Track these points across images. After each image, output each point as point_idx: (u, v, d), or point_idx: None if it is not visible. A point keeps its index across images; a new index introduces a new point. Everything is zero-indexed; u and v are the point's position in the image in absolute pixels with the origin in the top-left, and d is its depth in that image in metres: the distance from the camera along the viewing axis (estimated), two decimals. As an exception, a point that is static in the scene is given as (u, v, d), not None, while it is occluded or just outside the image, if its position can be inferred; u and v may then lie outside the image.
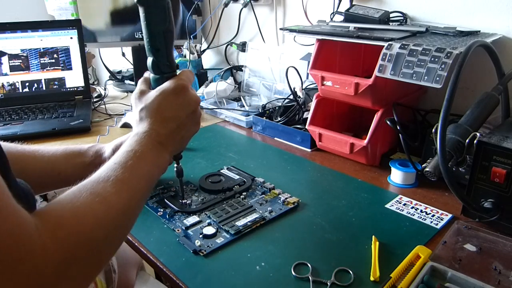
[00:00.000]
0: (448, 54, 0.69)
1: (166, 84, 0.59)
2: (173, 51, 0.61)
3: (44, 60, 1.25)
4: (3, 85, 1.22)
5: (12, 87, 1.23)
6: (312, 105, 0.97)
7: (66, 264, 0.38)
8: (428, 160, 0.67)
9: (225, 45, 1.52)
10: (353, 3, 1.08)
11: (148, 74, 0.62)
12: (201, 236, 0.65)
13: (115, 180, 0.48)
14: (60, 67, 1.27)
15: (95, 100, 1.34)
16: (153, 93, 0.59)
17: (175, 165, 0.71)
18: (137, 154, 0.53)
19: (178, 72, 0.62)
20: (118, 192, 0.47)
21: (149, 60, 0.60)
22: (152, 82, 0.62)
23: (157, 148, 0.56)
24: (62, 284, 0.37)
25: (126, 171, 0.50)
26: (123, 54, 1.69)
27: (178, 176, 0.71)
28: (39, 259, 0.35)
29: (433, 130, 0.65)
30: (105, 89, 1.45)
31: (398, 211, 0.73)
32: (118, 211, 0.47)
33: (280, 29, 1.14)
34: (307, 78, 1.14)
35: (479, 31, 0.88)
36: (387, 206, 0.75)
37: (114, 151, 0.71)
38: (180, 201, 0.74)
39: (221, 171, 0.86)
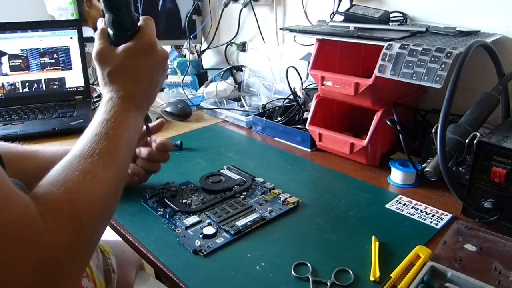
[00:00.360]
0: (448, 54, 0.69)
1: (132, 43, 0.56)
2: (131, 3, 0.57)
3: (44, 60, 1.25)
4: (3, 85, 1.22)
5: (12, 87, 1.23)
6: (312, 105, 0.97)
7: (72, 244, 0.39)
8: (428, 160, 0.67)
9: (225, 45, 1.52)
10: (353, 3, 1.08)
11: (105, 26, 0.58)
12: (201, 236, 0.65)
13: (101, 153, 0.48)
14: (60, 67, 1.27)
15: (95, 100, 1.33)
16: (119, 54, 0.56)
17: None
18: (116, 122, 0.52)
19: (140, 21, 0.58)
20: (106, 165, 0.47)
21: (108, 17, 0.56)
22: (113, 39, 0.57)
23: (133, 113, 0.55)
24: (71, 263, 0.38)
25: (110, 141, 0.49)
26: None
27: (146, 119, 0.70)
28: (47, 242, 0.36)
29: (433, 130, 0.65)
30: (105, 89, 1.44)
31: (398, 211, 0.73)
32: (110, 183, 0.47)
33: (280, 29, 1.14)
34: (307, 78, 1.14)
35: (479, 31, 0.89)
36: (387, 206, 0.75)
37: None
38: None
39: (221, 171, 0.86)
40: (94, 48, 0.57)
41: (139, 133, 0.59)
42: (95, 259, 0.90)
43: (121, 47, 0.56)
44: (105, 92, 0.56)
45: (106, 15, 0.56)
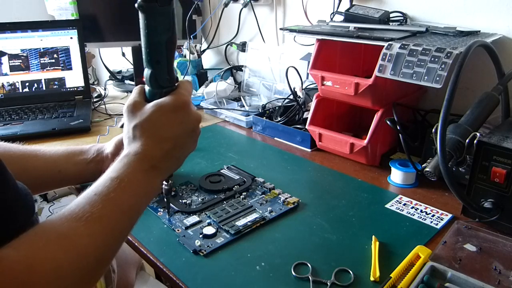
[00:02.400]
0: (448, 54, 0.69)
1: (165, 99, 0.53)
2: (173, 63, 0.56)
3: (44, 60, 1.25)
4: (3, 85, 1.22)
5: (12, 87, 1.23)
6: (312, 105, 0.97)
7: None
8: (428, 160, 0.67)
9: (225, 45, 1.52)
10: (353, 3, 1.08)
11: (144, 85, 0.56)
12: (201, 236, 0.65)
13: (90, 218, 0.41)
14: (60, 67, 1.27)
15: (95, 100, 1.34)
16: (149, 108, 0.52)
17: (164, 182, 0.66)
18: (122, 184, 0.46)
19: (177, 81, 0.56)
20: (91, 234, 0.41)
21: (147, 72, 0.54)
22: (148, 95, 0.55)
23: (148, 174, 0.50)
24: None
25: (106, 205, 0.43)
26: (123, 54, 1.69)
27: (166, 194, 0.67)
28: None
29: (433, 130, 0.65)
30: (105, 89, 1.45)
31: (398, 211, 0.73)
32: (89, 256, 0.40)
33: (280, 29, 1.14)
34: (307, 78, 1.14)
35: (479, 31, 0.88)
36: (387, 206, 0.75)
37: (117, 146, 0.69)
38: (168, 217, 0.70)
39: (221, 171, 0.86)
40: (127, 101, 0.54)
41: (152, 198, 0.53)
42: None
43: (153, 102, 0.53)
44: (125, 148, 0.52)
45: (145, 69, 0.54)
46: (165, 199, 0.69)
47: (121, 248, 1.05)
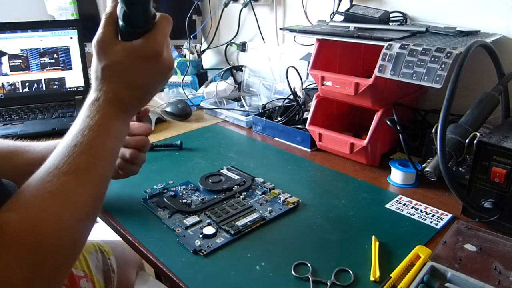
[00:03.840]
0: (448, 54, 0.69)
1: (138, 44, 0.50)
2: (151, 2, 0.51)
3: (44, 60, 1.25)
4: (3, 85, 1.22)
5: (12, 87, 1.23)
6: (312, 105, 0.97)
7: (32, 282, 0.35)
8: (428, 160, 0.67)
9: (225, 45, 1.52)
10: (353, 3, 1.08)
11: (115, 13, 0.51)
12: (201, 236, 0.65)
13: (78, 169, 0.42)
14: (60, 67, 1.27)
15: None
16: (120, 51, 0.49)
17: None
18: (100, 130, 0.46)
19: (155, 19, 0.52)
20: (82, 184, 0.42)
21: (120, 8, 0.50)
22: (120, 30, 0.51)
23: (120, 118, 0.50)
24: None
25: (90, 155, 0.44)
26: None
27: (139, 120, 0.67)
28: (1, 281, 0.33)
29: (433, 130, 0.65)
30: (105, 89, 1.44)
31: (398, 211, 0.73)
32: (85, 206, 0.42)
33: (280, 29, 1.14)
34: (307, 78, 1.14)
35: (479, 31, 0.89)
36: (387, 206, 0.75)
37: None
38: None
39: (221, 171, 0.86)
40: (96, 34, 0.51)
41: (124, 140, 0.53)
42: (95, 259, 0.90)
43: (124, 44, 0.50)
44: (93, 88, 0.51)
45: (119, 3, 0.50)
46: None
47: (121, 248, 1.05)
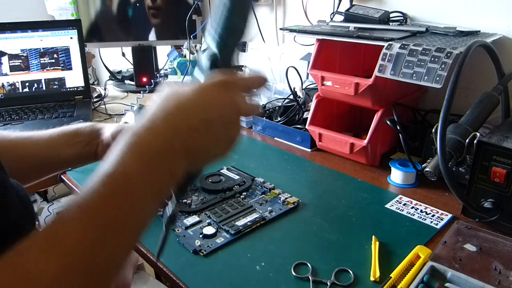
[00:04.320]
0: (448, 54, 0.69)
1: (215, 76, 0.43)
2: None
3: (44, 60, 1.25)
4: (3, 85, 1.22)
5: (12, 87, 1.23)
6: (312, 105, 0.97)
7: None
8: (428, 160, 0.67)
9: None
10: (353, 3, 1.08)
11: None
12: (201, 236, 0.65)
13: (81, 238, 0.31)
14: (60, 67, 1.27)
15: (95, 100, 1.34)
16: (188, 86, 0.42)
17: (171, 200, 0.48)
18: (118, 183, 0.35)
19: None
20: (81, 257, 0.31)
21: (207, 54, 0.47)
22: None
23: (164, 153, 0.37)
24: None
25: (101, 218, 0.33)
26: (123, 54, 1.69)
27: (168, 221, 0.50)
28: None
29: (433, 130, 0.65)
30: (105, 89, 1.45)
31: (398, 211, 0.73)
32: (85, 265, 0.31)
33: (280, 29, 1.14)
34: (307, 78, 1.14)
35: (479, 31, 0.88)
36: (387, 206, 0.75)
37: (113, 137, 0.64)
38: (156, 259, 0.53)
39: (221, 171, 0.86)
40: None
41: (159, 203, 0.39)
42: None
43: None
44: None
45: (203, 52, 0.47)
46: (164, 230, 0.49)
47: None
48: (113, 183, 0.35)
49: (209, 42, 0.47)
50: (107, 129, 0.67)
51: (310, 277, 0.56)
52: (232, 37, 0.47)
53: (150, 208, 0.38)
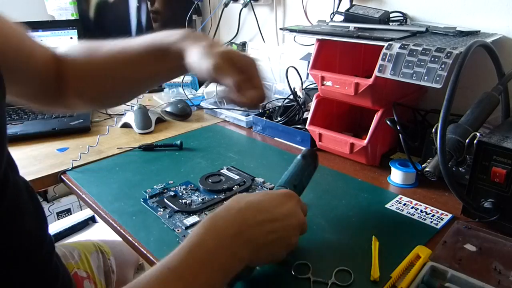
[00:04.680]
0: (448, 54, 0.69)
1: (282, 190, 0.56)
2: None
3: (44, 60, 1.25)
4: (3, 85, 1.22)
5: (12, 87, 1.23)
6: (312, 105, 0.97)
7: None
8: (428, 160, 0.67)
9: (225, 45, 1.52)
10: (353, 3, 1.08)
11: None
12: (201, 236, 0.65)
13: None
14: None
15: (95, 100, 1.33)
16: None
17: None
18: (204, 250, 0.44)
19: None
20: None
21: (290, 186, 0.63)
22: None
23: (235, 238, 0.46)
24: None
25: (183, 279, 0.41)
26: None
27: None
28: None
29: (433, 130, 0.65)
30: (105, 89, 1.44)
31: (398, 211, 0.73)
32: None
33: (280, 29, 1.14)
34: (307, 78, 1.14)
35: (479, 31, 0.89)
36: (387, 206, 0.75)
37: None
38: None
39: (221, 171, 0.86)
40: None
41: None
42: (96, 260, 0.90)
43: None
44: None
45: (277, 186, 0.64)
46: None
47: (119, 248, 1.05)
48: (194, 252, 0.43)
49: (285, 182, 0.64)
50: (190, 50, 0.58)
51: (310, 277, 0.56)
52: (302, 185, 0.66)
53: (217, 281, 0.45)
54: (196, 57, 0.54)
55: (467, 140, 0.66)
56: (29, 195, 0.41)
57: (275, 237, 0.50)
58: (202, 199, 0.76)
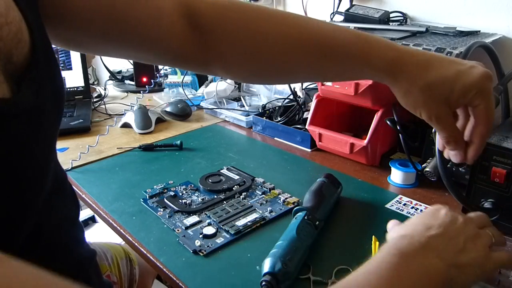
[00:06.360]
0: (448, 54, 0.69)
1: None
2: None
3: (44, 60, 1.25)
4: (3, 85, 1.22)
5: (12, 87, 1.23)
6: (312, 105, 0.97)
7: None
8: (428, 160, 0.67)
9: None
10: (353, 3, 1.08)
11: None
12: (201, 236, 0.65)
13: None
14: (60, 67, 1.27)
15: (95, 100, 1.34)
16: None
17: None
18: (393, 268, 0.46)
19: None
20: None
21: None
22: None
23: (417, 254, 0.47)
24: None
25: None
26: (123, 54, 1.69)
27: None
28: None
29: (433, 130, 0.65)
30: (105, 89, 1.45)
31: (398, 211, 0.73)
32: None
33: (280, 29, 1.13)
34: (307, 78, 1.14)
35: (479, 31, 0.89)
36: (387, 206, 0.75)
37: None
38: None
39: (221, 171, 0.86)
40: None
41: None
42: (124, 267, 0.87)
43: None
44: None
45: None
46: None
47: (140, 258, 1.03)
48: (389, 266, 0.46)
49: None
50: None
51: (310, 277, 0.56)
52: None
53: None
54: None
55: (467, 140, 0.65)
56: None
57: (463, 247, 0.49)
58: (202, 199, 0.76)
